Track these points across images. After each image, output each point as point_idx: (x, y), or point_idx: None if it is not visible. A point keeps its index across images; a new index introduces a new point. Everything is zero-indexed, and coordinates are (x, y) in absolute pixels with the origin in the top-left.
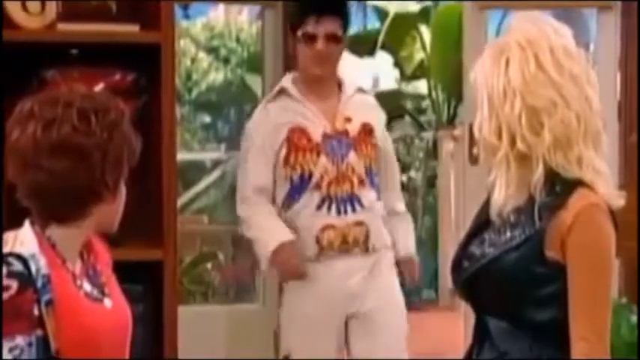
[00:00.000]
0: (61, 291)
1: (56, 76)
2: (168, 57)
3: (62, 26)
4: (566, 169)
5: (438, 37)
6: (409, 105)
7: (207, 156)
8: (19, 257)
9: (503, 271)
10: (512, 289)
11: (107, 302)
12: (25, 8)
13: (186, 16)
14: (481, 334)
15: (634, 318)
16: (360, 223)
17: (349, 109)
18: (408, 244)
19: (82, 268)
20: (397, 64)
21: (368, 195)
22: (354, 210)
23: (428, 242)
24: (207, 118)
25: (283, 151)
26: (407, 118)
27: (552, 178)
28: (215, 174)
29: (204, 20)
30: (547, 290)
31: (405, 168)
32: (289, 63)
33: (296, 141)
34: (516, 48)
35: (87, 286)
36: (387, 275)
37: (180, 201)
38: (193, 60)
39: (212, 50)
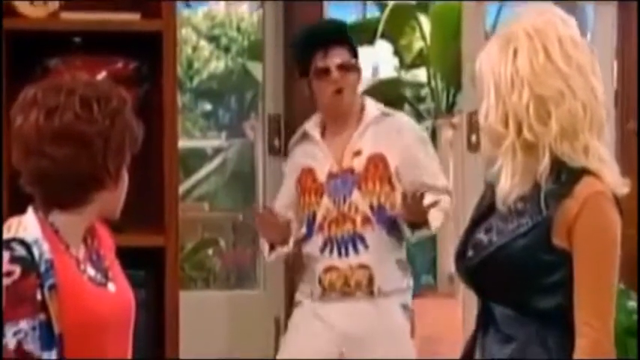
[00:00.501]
0: (65, 276)
1: (59, 65)
2: (169, 45)
3: (65, 15)
4: (573, 158)
5: (438, 26)
6: (408, 93)
7: (209, 144)
8: (22, 242)
9: (511, 258)
10: (518, 277)
11: (111, 286)
12: None
13: (188, 5)
14: (485, 320)
15: (631, 303)
16: (363, 266)
17: (362, 140)
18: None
19: (86, 253)
20: (397, 52)
21: (374, 234)
22: (356, 251)
23: None
24: (208, 106)
25: (298, 194)
26: (406, 106)
27: (558, 166)
28: (216, 161)
29: (205, 9)
30: (553, 277)
31: None
32: (289, 51)
33: (304, 183)
34: (524, 37)
35: (90, 271)
36: (397, 322)
37: (182, 188)
38: (194, 48)
39: (213, 39)
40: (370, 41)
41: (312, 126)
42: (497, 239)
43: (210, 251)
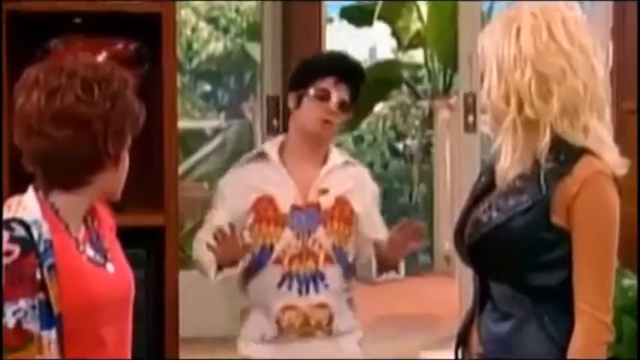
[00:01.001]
0: (64, 256)
1: (59, 46)
2: (169, 27)
3: None
4: (572, 137)
5: (435, 8)
6: (406, 74)
7: (208, 124)
8: (22, 222)
9: (510, 236)
10: (517, 254)
11: (109, 267)
12: None
13: None
14: (482, 297)
15: (627, 282)
16: (323, 306)
17: (329, 180)
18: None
19: (86, 234)
20: (394, 34)
21: (334, 273)
22: (317, 290)
23: (423, 209)
24: (207, 87)
25: (249, 220)
26: (404, 87)
27: (558, 145)
28: (215, 142)
29: None
30: (551, 255)
31: (401, 136)
32: (288, 32)
33: (261, 211)
34: (528, 17)
35: (90, 252)
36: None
37: (182, 168)
38: (194, 30)
39: (212, 20)
40: (368, 23)
41: (270, 147)
42: (496, 217)
43: None
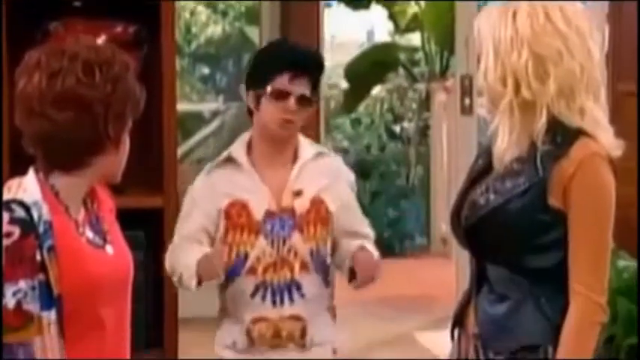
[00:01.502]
0: (63, 237)
1: (59, 28)
2: (168, 10)
3: None
4: (569, 118)
5: None
6: (403, 57)
7: (206, 107)
8: (22, 204)
9: (507, 218)
10: (514, 237)
11: (109, 249)
12: None
13: None
14: (479, 279)
15: (622, 263)
16: (296, 318)
17: (302, 179)
18: (369, 247)
19: (85, 216)
20: (391, 17)
21: (311, 282)
22: (291, 300)
23: (420, 191)
24: (205, 70)
25: (221, 228)
26: (401, 70)
27: (554, 127)
28: (214, 124)
29: None
30: (548, 237)
31: (398, 118)
32: (286, 16)
33: (235, 218)
34: (525, 3)
35: (89, 234)
36: None
37: (180, 150)
38: (192, 13)
39: (211, 4)
40: (365, 6)
41: (238, 151)
42: (493, 199)
43: None
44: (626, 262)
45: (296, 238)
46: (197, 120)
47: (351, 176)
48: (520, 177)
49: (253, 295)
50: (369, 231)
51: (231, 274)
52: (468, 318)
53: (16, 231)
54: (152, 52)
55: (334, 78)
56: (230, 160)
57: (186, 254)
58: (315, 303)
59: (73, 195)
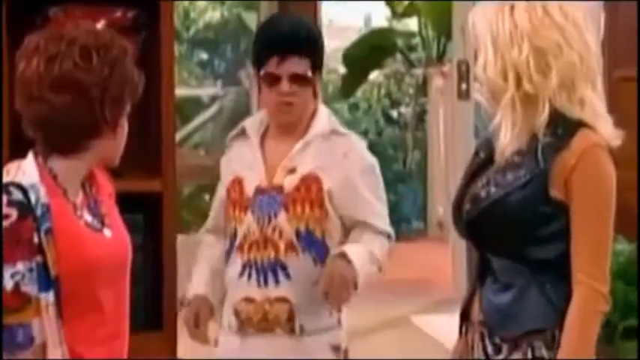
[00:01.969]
0: (60, 220)
1: (59, 13)
2: None
3: None
4: (569, 110)
5: None
6: (400, 42)
7: (205, 92)
8: (19, 186)
9: (508, 210)
10: (516, 228)
11: (107, 232)
12: None
13: None
14: (483, 271)
15: (618, 246)
16: (282, 299)
17: (300, 156)
18: (354, 249)
19: (84, 200)
20: (388, 2)
21: (299, 263)
22: (277, 281)
23: (417, 175)
24: (204, 55)
25: (227, 204)
26: (398, 55)
27: (554, 119)
28: (212, 109)
29: None
30: (550, 229)
31: (395, 103)
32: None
33: (232, 194)
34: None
35: (87, 217)
36: None
37: (179, 135)
38: None
39: None
40: None
41: (252, 125)
42: (494, 192)
43: (206, 197)
44: (623, 246)
45: (281, 218)
46: (195, 105)
47: (368, 162)
48: (521, 169)
49: (241, 274)
50: (383, 226)
51: (228, 252)
52: (473, 307)
53: (14, 213)
54: (151, 37)
55: (332, 63)
56: (242, 133)
57: (198, 266)
58: (304, 286)
59: (71, 178)
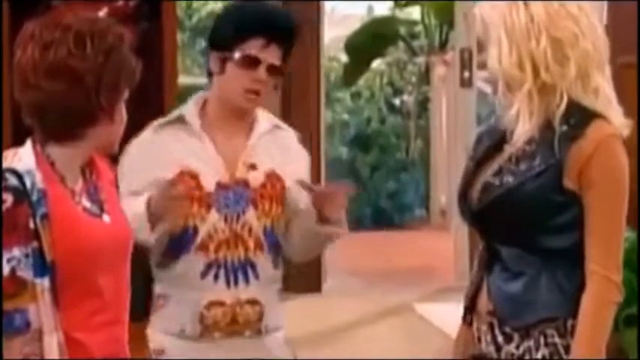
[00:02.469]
0: (57, 206)
1: (61, 4)
2: None
3: None
4: (584, 100)
5: None
6: (402, 31)
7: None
8: (15, 172)
9: (522, 199)
10: (529, 217)
11: (106, 218)
12: None
13: None
14: (490, 259)
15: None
16: (253, 302)
17: (256, 152)
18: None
19: (83, 186)
20: None
21: (265, 262)
22: (247, 282)
23: (419, 163)
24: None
25: None
26: (400, 43)
27: (569, 108)
28: None
29: None
30: (563, 218)
31: (398, 92)
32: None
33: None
34: None
35: (86, 203)
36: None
37: None
38: None
39: None
40: None
41: (191, 113)
42: (509, 181)
43: None
44: (626, 233)
45: (250, 214)
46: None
47: (306, 155)
48: (535, 158)
49: (204, 274)
50: None
51: (177, 250)
52: (480, 297)
53: (9, 198)
54: (153, 26)
55: (334, 51)
56: (180, 120)
57: (134, 204)
58: (269, 285)
59: (69, 165)
